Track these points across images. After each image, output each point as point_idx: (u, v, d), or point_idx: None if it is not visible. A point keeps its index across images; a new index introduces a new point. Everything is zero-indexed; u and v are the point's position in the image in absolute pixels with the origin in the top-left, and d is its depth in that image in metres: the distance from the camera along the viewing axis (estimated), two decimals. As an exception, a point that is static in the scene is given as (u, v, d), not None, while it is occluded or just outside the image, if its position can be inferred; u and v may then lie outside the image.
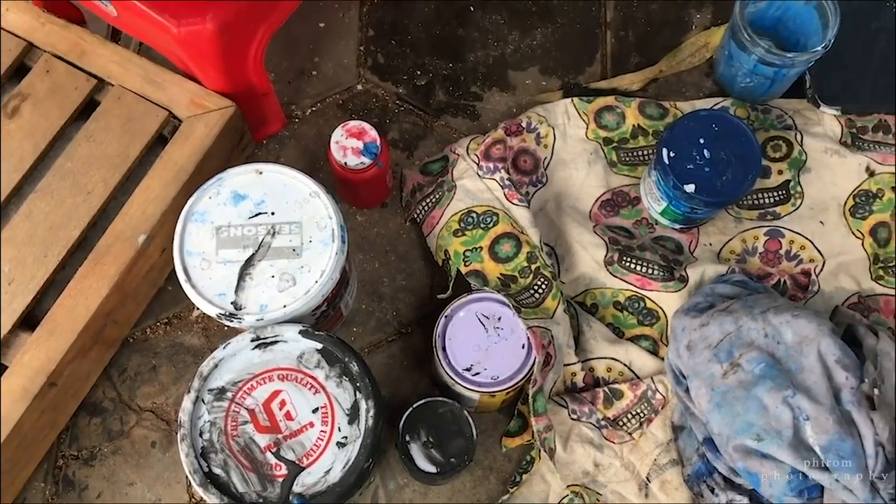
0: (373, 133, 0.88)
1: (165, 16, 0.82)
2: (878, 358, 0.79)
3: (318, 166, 0.99)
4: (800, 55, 0.90)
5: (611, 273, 0.92)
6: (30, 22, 0.91)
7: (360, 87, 1.03)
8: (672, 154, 0.88)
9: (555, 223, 0.96)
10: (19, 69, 0.91)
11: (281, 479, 0.71)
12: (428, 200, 0.96)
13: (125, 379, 0.92)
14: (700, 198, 0.87)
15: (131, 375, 0.92)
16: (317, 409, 0.73)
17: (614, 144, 0.99)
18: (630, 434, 0.88)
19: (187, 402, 0.73)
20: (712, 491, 0.83)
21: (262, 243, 0.78)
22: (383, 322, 0.94)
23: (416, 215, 0.97)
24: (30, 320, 0.83)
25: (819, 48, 0.90)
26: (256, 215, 0.79)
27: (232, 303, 0.76)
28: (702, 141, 0.88)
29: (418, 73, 1.04)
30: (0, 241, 0.84)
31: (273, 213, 0.79)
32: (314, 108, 1.02)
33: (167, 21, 0.82)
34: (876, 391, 0.77)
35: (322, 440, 0.72)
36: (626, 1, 1.06)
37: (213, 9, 0.81)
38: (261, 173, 0.80)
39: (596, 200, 0.97)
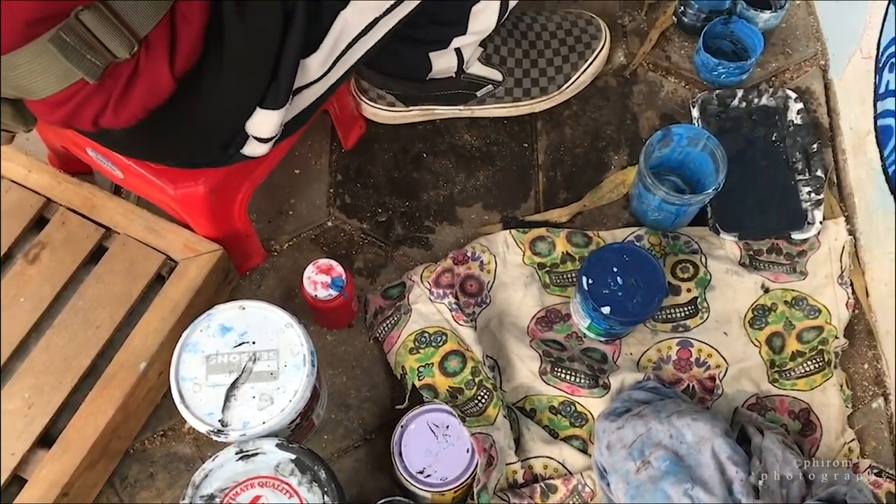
0: (339, 269, 1.04)
1: (164, 180, 0.97)
2: (763, 454, 0.94)
3: (293, 293, 1.14)
4: (695, 196, 1.07)
5: (545, 382, 1.07)
6: (49, 181, 1.05)
7: (329, 223, 1.19)
8: (590, 281, 1.04)
9: (497, 338, 1.11)
10: (39, 221, 1.05)
11: (261, 573, 0.84)
12: (388, 322, 1.11)
13: (126, 486, 1.05)
14: (615, 318, 1.03)
15: (131, 482, 1.05)
16: (291, 510, 0.87)
17: (547, 269, 1.15)
18: (564, 523, 1.02)
19: (182, 508, 0.86)
20: (632, 572, 0.97)
21: (245, 369, 0.92)
22: (350, 430, 1.08)
23: (378, 335, 1.12)
24: (46, 439, 0.96)
25: (711, 190, 1.07)
26: (240, 344, 0.93)
27: (219, 421, 0.90)
28: (615, 269, 1.04)
29: (379, 210, 1.20)
30: (22, 371, 0.98)
31: (254, 342, 0.93)
32: (290, 243, 1.18)
33: (165, 184, 0.97)
34: (761, 482, 0.91)
35: (296, 538, 0.86)
36: (555, 146, 1.23)
37: (204, 175, 0.96)
38: (244, 308, 0.95)
39: (532, 318, 1.13)
